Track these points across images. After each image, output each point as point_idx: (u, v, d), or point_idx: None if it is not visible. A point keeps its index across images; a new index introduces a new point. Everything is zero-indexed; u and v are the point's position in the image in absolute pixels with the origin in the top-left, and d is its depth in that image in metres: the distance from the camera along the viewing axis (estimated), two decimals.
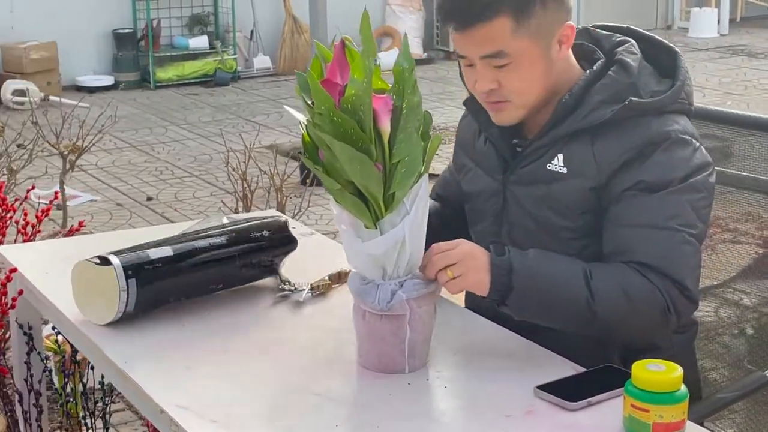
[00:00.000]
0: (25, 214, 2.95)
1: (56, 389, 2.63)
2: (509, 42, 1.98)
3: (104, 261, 2.03)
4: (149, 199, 6.17)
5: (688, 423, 1.70)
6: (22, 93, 8.46)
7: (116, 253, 2.06)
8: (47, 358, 2.54)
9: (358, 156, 1.78)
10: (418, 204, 1.84)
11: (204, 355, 2.00)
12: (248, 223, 2.25)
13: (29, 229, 2.94)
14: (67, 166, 5.09)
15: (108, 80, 9.42)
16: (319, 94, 1.79)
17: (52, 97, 8.64)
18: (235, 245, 2.19)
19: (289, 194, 4.67)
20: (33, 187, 3.41)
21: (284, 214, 2.88)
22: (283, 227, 2.29)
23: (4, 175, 4.94)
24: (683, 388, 1.68)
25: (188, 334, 2.08)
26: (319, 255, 2.45)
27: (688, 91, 2.08)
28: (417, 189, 1.84)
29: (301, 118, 1.88)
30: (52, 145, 5.03)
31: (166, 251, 2.09)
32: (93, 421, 2.66)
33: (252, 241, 2.22)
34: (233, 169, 4.39)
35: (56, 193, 3.67)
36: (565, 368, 1.91)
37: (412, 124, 1.83)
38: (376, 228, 1.84)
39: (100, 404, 2.66)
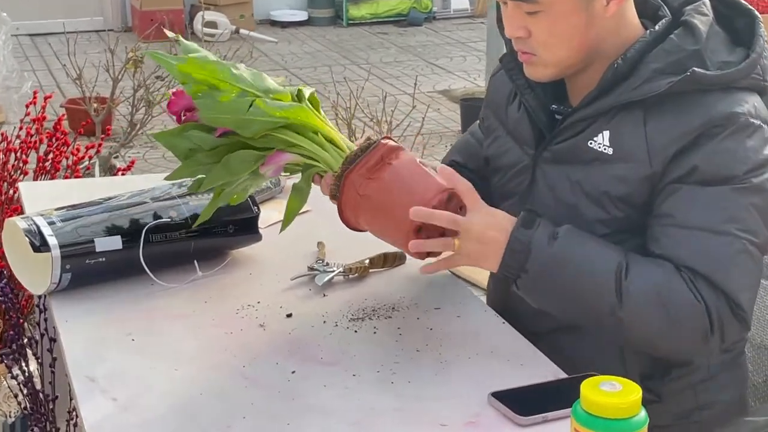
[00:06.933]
0: (77, 150, 2.83)
1: None
2: None
3: (42, 242, 1.80)
4: None
5: None
6: (213, 25, 8.51)
7: (60, 221, 1.85)
8: None
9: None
10: None
11: (158, 323, 1.80)
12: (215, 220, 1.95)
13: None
14: None
15: (302, 15, 9.35)
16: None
17: (242, 31, 8.66)
18: (193, 239, 1.94)
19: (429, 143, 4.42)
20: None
21: None
22: (253, 222, 2.02)
23: (143, 106, 4.92)
24: (641, 414, 1.36)
25: (154, 295, 1.88)
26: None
27: (764, 65, 1.73)
28: None
29: None
30: None
31: (116, 243, 1.86)
32: None
33: (214, 235, 1.97)
34: (341, 118, 4.18)
35: None
36: (546, 374, 1.63)
37: None
38: None
39: None
